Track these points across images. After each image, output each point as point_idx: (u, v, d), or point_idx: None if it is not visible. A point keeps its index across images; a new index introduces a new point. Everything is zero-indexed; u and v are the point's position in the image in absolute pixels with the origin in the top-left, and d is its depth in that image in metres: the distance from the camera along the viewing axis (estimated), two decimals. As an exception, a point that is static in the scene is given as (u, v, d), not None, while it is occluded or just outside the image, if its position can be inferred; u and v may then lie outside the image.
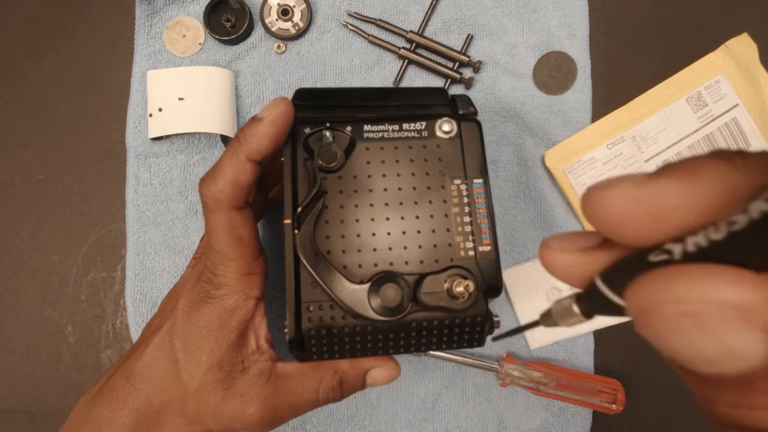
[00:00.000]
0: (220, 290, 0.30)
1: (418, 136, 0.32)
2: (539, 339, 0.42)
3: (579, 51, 0.43)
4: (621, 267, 0.14)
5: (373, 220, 0.30)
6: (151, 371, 0.29)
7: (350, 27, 0.43)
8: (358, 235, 0.30)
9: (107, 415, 0.29)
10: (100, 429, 0.29)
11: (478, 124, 0.33)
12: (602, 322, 0.42)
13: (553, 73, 0.43)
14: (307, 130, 0.31)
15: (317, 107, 0.33)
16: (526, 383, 0.40)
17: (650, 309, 0.11)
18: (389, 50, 0.43)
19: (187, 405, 0.29)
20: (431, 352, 0.40)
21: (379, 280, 0.29)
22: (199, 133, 0.43)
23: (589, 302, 0.15)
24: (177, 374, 0.29)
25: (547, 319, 0.17)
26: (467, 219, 0.31)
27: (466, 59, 0.43)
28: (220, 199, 0.29)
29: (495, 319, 0.32)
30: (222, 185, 0.29)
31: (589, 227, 0.42)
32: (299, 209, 0.29)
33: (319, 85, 0.43)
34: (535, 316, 0.18)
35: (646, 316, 0.11)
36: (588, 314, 0.16)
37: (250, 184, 0.30)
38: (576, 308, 0.16)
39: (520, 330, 0.20)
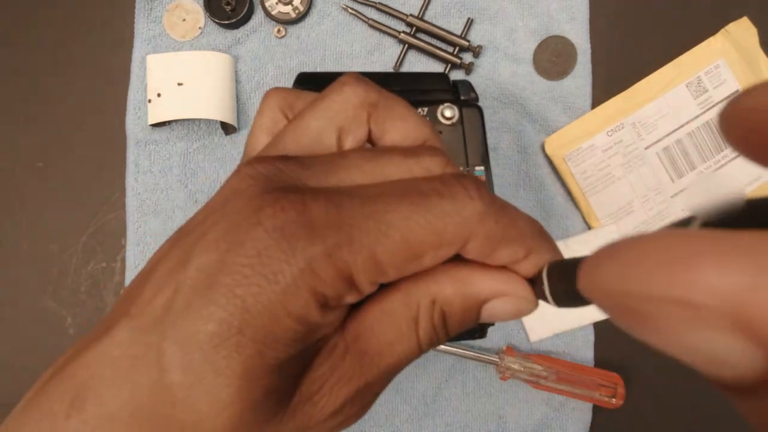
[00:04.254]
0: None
1: None
2: (539, 331, 0.41)
3: (579, 35, 0.43)
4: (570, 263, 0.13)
5: None
6: (109, 394, 0.14)
7: (350, 11, 0.43)
8: None
9: None
10: None
11: (480, 110, 0.33)
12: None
13: (553, 57, 0.43)
14: None
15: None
16: (527, 377, 0.40)
17: (609, 305, 0.09)
18: (389, 35, 0.43)
19: None
20: None
21: None
22: (199, 120, 0.42)
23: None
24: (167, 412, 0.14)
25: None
26: None
27: (466, 44, 0.42)
28: None
29: None
30: None
31: (591, 221, 0.42)
32: None
33: (319, 71, 0.43)
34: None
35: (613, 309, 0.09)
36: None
37: None
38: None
39: None
